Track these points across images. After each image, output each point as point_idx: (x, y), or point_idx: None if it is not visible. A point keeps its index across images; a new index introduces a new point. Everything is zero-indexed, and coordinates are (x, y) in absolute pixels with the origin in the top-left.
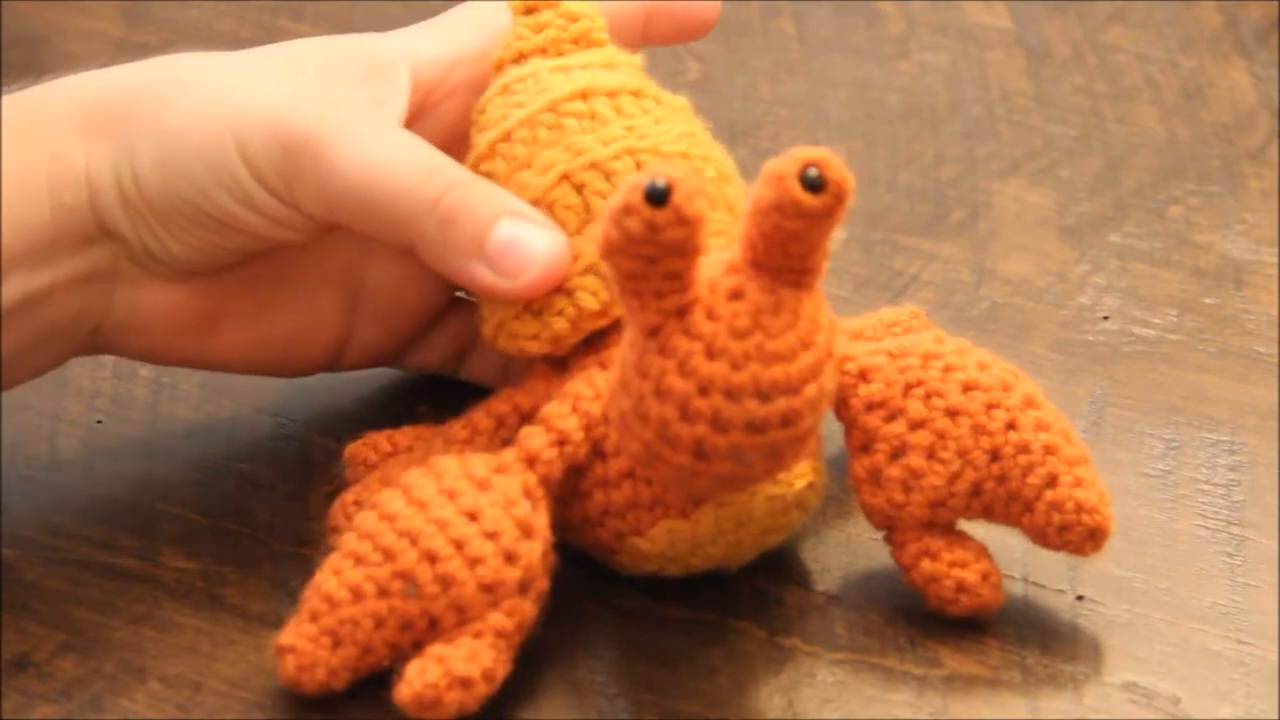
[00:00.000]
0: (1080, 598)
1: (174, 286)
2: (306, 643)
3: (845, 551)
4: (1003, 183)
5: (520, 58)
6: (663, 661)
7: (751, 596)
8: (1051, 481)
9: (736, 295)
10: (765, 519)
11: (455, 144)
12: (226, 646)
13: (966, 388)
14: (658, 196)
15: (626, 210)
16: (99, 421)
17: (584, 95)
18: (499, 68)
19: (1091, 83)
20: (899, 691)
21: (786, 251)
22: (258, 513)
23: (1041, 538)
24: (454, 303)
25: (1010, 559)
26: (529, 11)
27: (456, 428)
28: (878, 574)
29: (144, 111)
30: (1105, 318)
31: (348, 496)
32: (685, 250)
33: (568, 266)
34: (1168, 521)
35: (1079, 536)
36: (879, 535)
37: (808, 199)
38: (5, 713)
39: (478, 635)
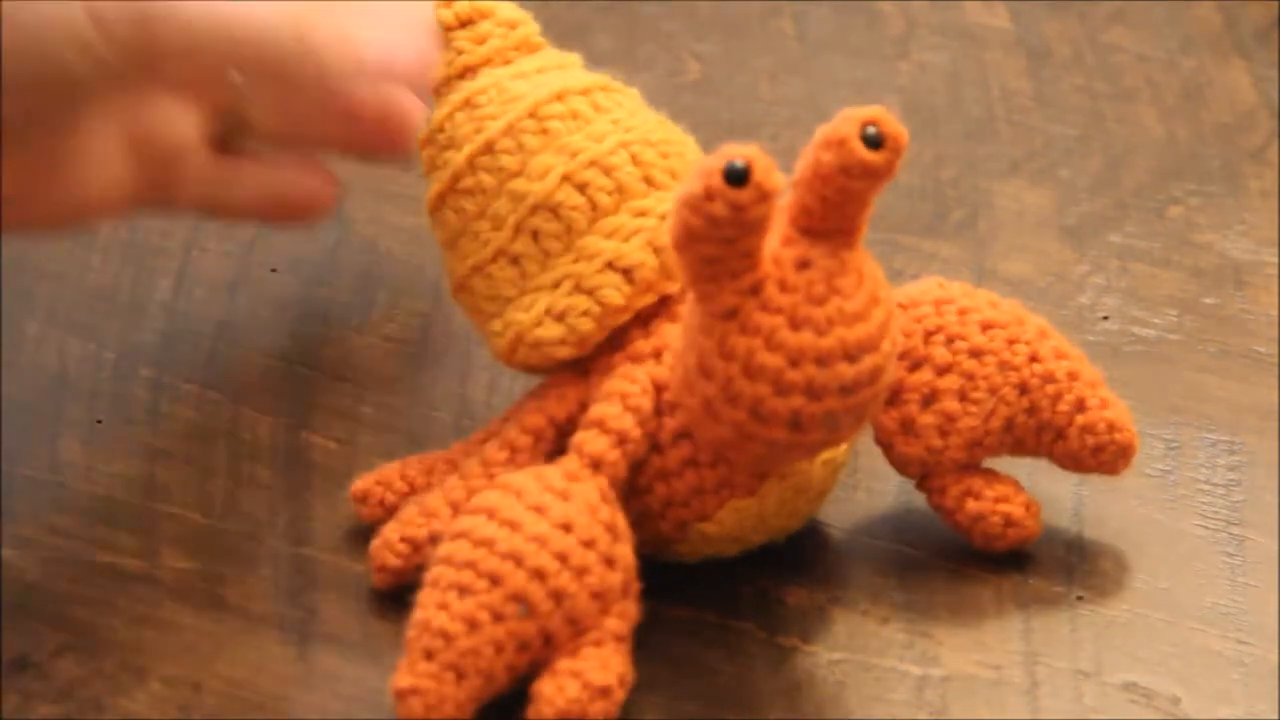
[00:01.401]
0: (1080, 598)
1: None
2: (429, 681)
3: (846, 552)
4: (1003, 183)
5: (467, 72)
6: (663, 661)
7: (752, 597)
8: (1080, 406)
9: (804, 264)
10: (820, 484)
11: None
12: (226, 646)
13: (985, 327)
14: (739, 176)
15: (708, 195)
16: (99, 421)
17: (560, 97)
18: (444, 84)
19: (1091, 83)
20: (899, 691)
21: (844, 213)
22: (258, 513)
23: (1075, 462)
24: None
25: (1010, 559)
26: (464, 24)
27: (492, 449)
28: (878, 575)
29: None
30: (1105, 318)
31: (391, 535)
32: (765, 227)
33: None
34: (1168, 521)
35: (1112, 455)
36: (879, 536)
37: (872, 157)
38: (5, 713)
39: (598, 644)
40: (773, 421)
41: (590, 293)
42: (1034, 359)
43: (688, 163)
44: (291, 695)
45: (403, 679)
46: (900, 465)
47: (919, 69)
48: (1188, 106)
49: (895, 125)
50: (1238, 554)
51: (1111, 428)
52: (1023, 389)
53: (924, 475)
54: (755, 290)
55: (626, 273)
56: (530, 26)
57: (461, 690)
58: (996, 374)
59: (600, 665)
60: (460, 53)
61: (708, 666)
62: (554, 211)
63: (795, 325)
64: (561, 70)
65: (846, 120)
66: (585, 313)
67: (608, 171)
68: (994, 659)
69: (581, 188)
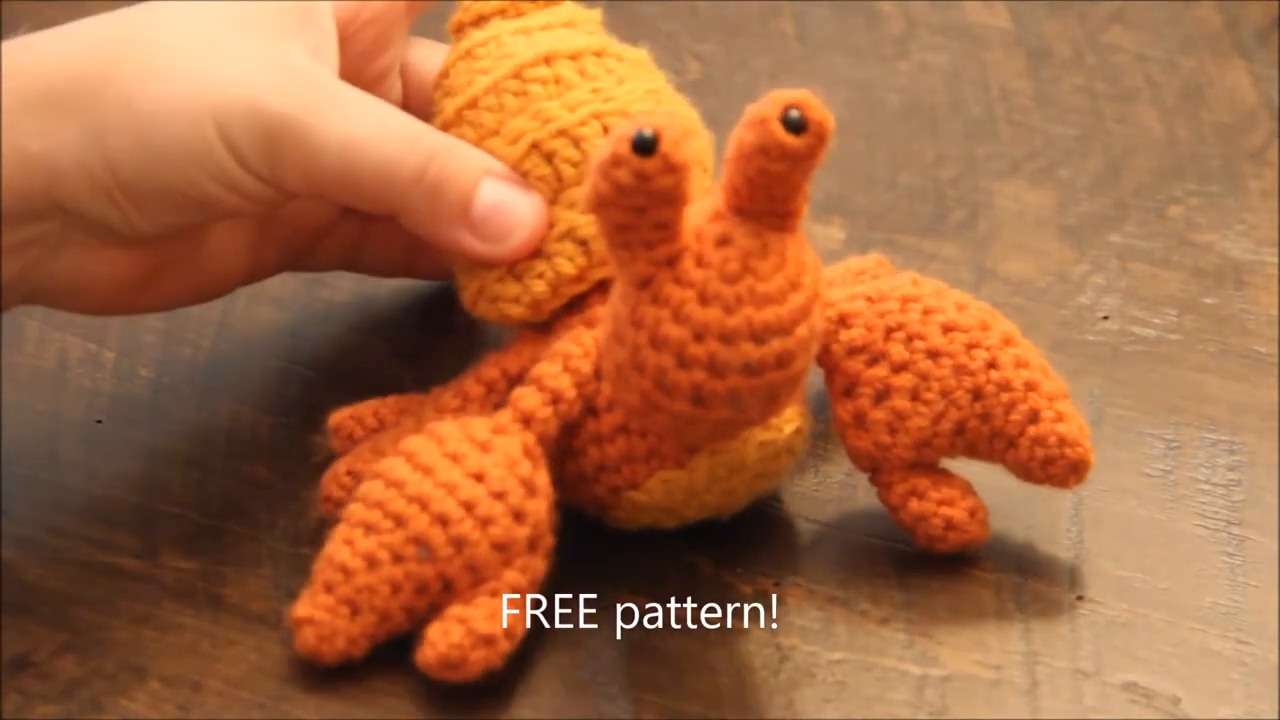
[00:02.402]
0: (1080, 598)
1: (121, 251)
2: (324, 613)
3: (845, 552)
4: (1003, 183)
5: (480, 20)
6: (663, 661)
7: (752, 597)
8: (1033, 417)
9: (724, 241)
10: (758, 465)
11: (362, 79)
12: (226, 646)
13: (946, 329)
14: (646, 146)
15: (615, 161)
16: (99, 421)
17: (547, 60)
18: (458, 30)
19: (1091, 83)
20: (899, 691)
21: (770, 195)
22: (258, 513)
23: (1025, 473)
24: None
25: (1010, 559)
26: None
27: (447, 396)
28: (878, 575)
29: (110, 94)
30: (1105, 318)
31: (340, 467)
32: (674, 198)
33: (546, 228)
34: (1168, 521)
35: (1062, 470)
36: (879, 536)
37: (791, 140)
38: (5, 713)
39: (494, 594)
40: (675, 393)
41: (548, 258)
42: (992, 365)
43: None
44: (291, 695)
45: (301, 608)
46: (852, 457)
47: (919, 69)
48: (1188, 106)
49: (820, 111)
50: (1238, 554)
51: (1063, 442)
52: (976, 394)
53: (874, 469)
54: (671, 262)
55: (583, 244)
56: None
57: (355, 625)
58: (951, 377)
59: (489, 615)
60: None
61: (708, 666)
62: (523, 177)
63: (704, 300)
64: (568, 28)
65: (770, 101)
66: (540, 275)
67: (576, 142)
68: (994, 659)
69: (549, 157)
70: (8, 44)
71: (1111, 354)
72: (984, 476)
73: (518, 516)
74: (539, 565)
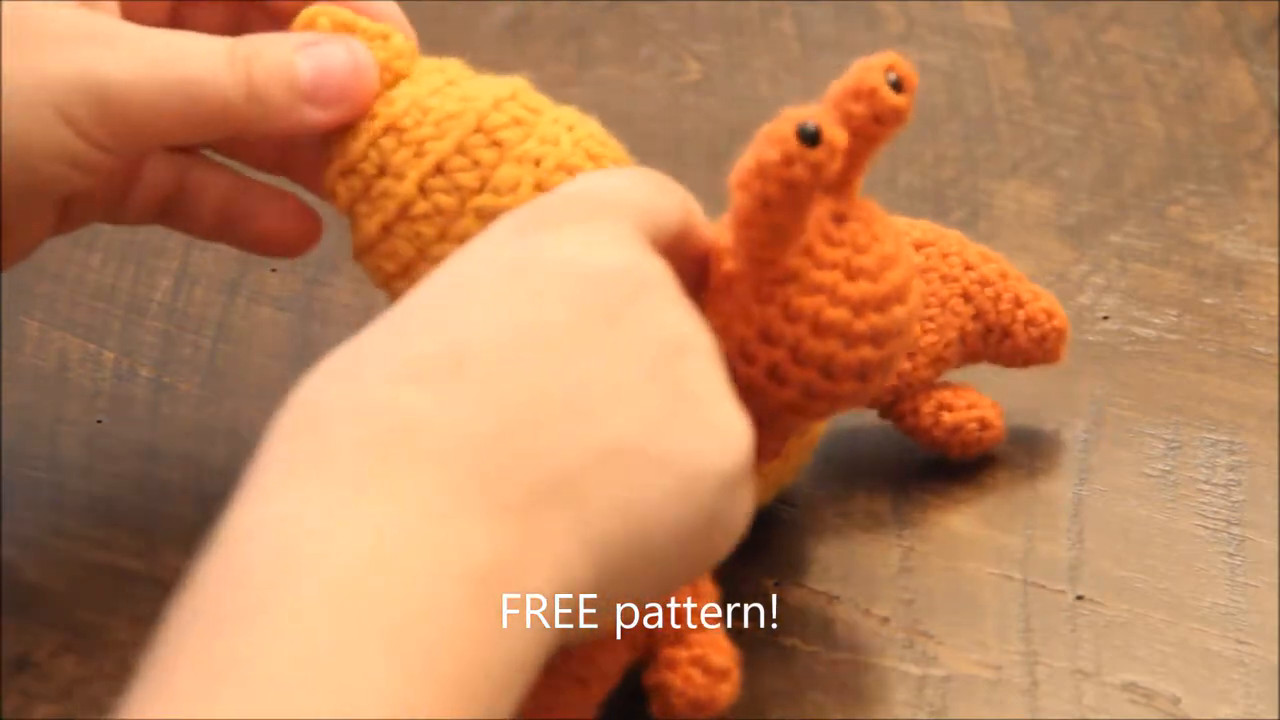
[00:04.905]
0: (1080, 598)
1: None
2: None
3: (845, 551)
4: (1003, 183)
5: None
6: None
7: (752, 597)
8: (1018, 302)
9: (840, 218)
10: (815, 439)
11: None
12: None
13: (919, 246)
14: (812, 138)
15: (787, 160)
16: (99, 421)
17: (497, 106)
18: None
19: (1091, 83)
20: (899, 691)
21: (858, 165)
22: None
23: (1023, 357)
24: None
25: (1010, 559)
26: None
27: None
28: (878, 574)
29: None
30: (1105, 318)
31: None
32: (828, 185)
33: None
34: (1168, 521)
35: (1054, 341)
36: (879, 535)
37: (903, 101)
38: (5, 713)
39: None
40: (843, 375)
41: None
42: (968, 267)
43: (613, 146)
44: None
45: None
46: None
47: (919, 69)
48: (1188, 106)
49: (907, 66)
50: (1238, 554)
51: (1050, 315)
52: (966, 297)
53: (893, 402)
54: (807, 251)
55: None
56: (398, 35)
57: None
58: (942, 288)
59: (716, 649)
60: None
61: None
62: None
63: (851, 276)
64: (461, 75)
65: (869, 70)
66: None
67: (571, 173)
68: (994, 659)
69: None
70: None
71: (1111, 354)
72: (984, 477)
73: None
74: (709, 588)
